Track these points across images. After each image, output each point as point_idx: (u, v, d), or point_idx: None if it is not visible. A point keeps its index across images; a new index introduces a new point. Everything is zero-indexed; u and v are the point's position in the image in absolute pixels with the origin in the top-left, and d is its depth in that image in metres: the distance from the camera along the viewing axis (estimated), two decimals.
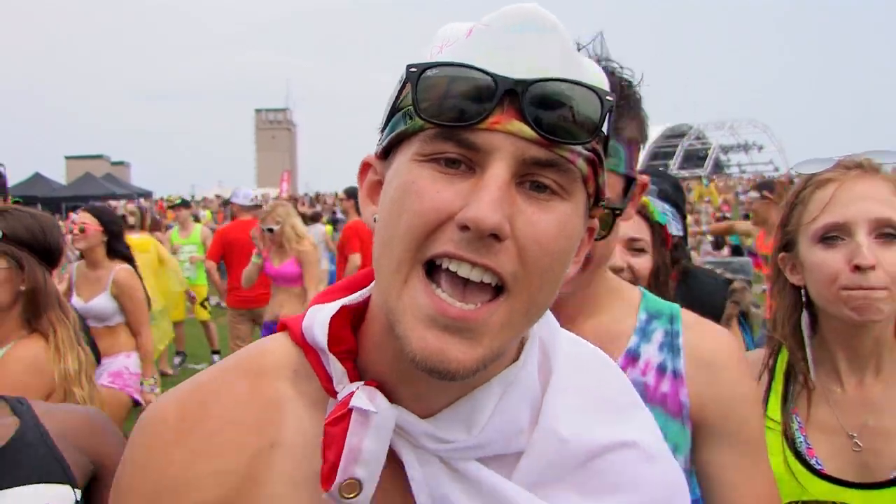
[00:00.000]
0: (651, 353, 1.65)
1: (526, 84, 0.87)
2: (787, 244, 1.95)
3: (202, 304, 11.80)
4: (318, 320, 1.04)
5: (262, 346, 1.11)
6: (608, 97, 0.90)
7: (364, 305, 1.06)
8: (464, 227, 0.85)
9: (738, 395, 1.60)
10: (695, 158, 71.18)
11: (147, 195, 47.73)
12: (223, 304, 9.53)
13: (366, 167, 1.06)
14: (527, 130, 0.87)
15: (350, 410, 0.94)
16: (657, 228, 2.79)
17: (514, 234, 0.87)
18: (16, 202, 4.56)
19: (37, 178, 32.87)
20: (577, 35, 1.45)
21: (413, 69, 0.90)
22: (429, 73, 0.89)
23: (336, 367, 1.01)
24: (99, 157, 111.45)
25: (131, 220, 12.72)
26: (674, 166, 67.31)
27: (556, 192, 0.90)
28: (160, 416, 1.04)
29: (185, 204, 13.27)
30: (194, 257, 11.85)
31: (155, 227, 14.29)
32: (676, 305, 1.73)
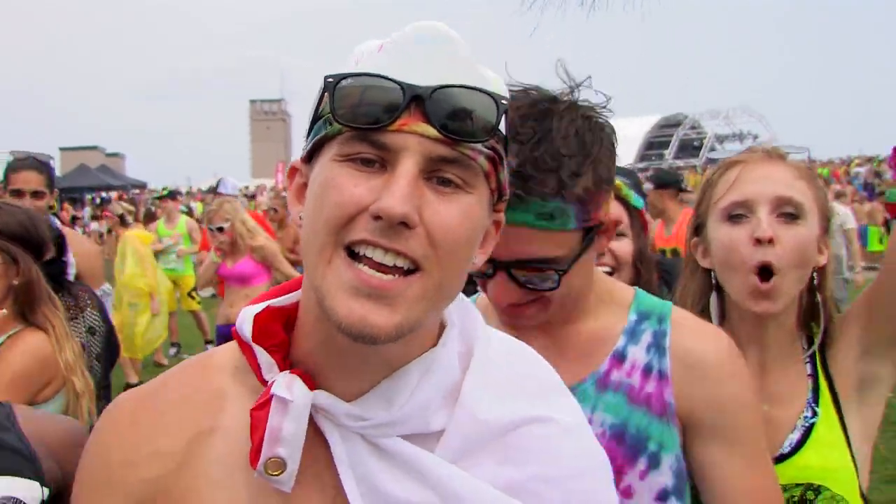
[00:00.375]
0: (638, 354, 1.64)
1: (430, 90, 0.99)
2: (699, 227, 2.01)
3: (189, 295, 11.90)
4: (246, 318, 1.16)
5: (212, 350, 1.26)
6: (503, 101, 1.04)
7: (296, 307, 1.18)
8: (377, 217, 0.97)
9: (728, 395, 1.61)
10: (690, 148, 71.05)
11: (142, 186, 47.63)
12: (216, 295, 9.58)
13: (294, 171, 1.16)
14: (431, 131, 0.99)
15: (272, 397, 1.05)
16: (634, 213, 2.78)
17: (423, 222, 0.99)
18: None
19: None
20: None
21: (330, 80, 1.02)
22: (344, 82, 1.01)
23: (264, 358, 1.12)
24: (94, 148, 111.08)
25: (129, 218, 12.83)
26: (669, 156, 67.29)
27: (459, 186, 1.03)
28: (120, 404, 1.19)
29: (171, 195, 13.37)
30: (181, 250, 11.94)
31: (150, 218, 14.31)
32: (669, 304, 1.72)
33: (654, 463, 1.58)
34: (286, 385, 1.06)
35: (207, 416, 1.13)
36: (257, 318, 1.14)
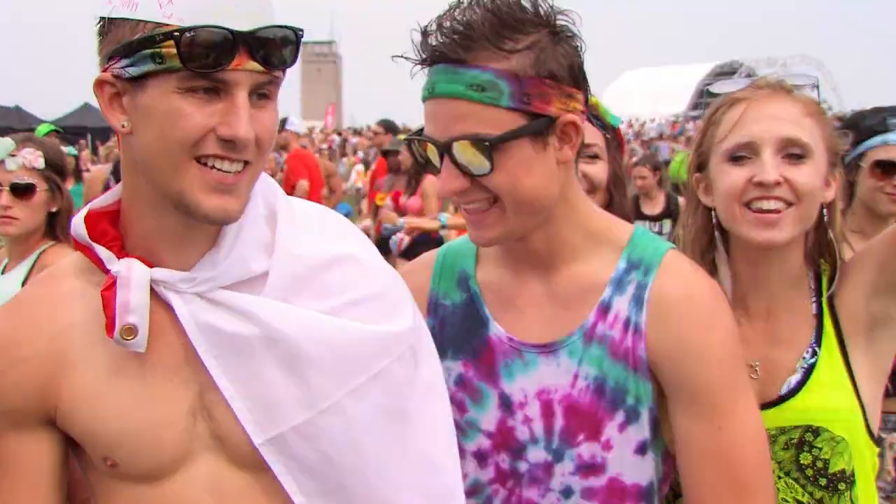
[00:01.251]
0: (622, 306, 1.60)
1: (253, 34, 1.24)
2: (701, 164, 1.93)
3: None
4: (77, 223, 1.40)
5: (57, 263, 1.51)
6: (300, 31, 1.32)
7: (117, 208, 1.42)
8: (227, 140, 1.25)
9: (691, 348, 1.55)
10: None
11: None
12: None
13: (103, 84, 1.31)
14: (257, 66, 1.25)
15: (116, 278, 1.31)
16: (612, 133, 2.64)
17: (255, 133, 1.28)
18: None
19: (86, 108, 33.19)
20: None
21: (177, 33, 1.20)
22: (188, 34, 1.21)
23: (103, 252, 1.36)
24: None
25: None
26: None
27: (270, 98, 1.32)
28: None
29: None
30: None
31: None
32: (664, 250, 1.64)
33: (632, 416, 1.58)
34: (126, 266, 1.31)
35: (60, 317, 1.38)
36: (86, 219, 1.39)
